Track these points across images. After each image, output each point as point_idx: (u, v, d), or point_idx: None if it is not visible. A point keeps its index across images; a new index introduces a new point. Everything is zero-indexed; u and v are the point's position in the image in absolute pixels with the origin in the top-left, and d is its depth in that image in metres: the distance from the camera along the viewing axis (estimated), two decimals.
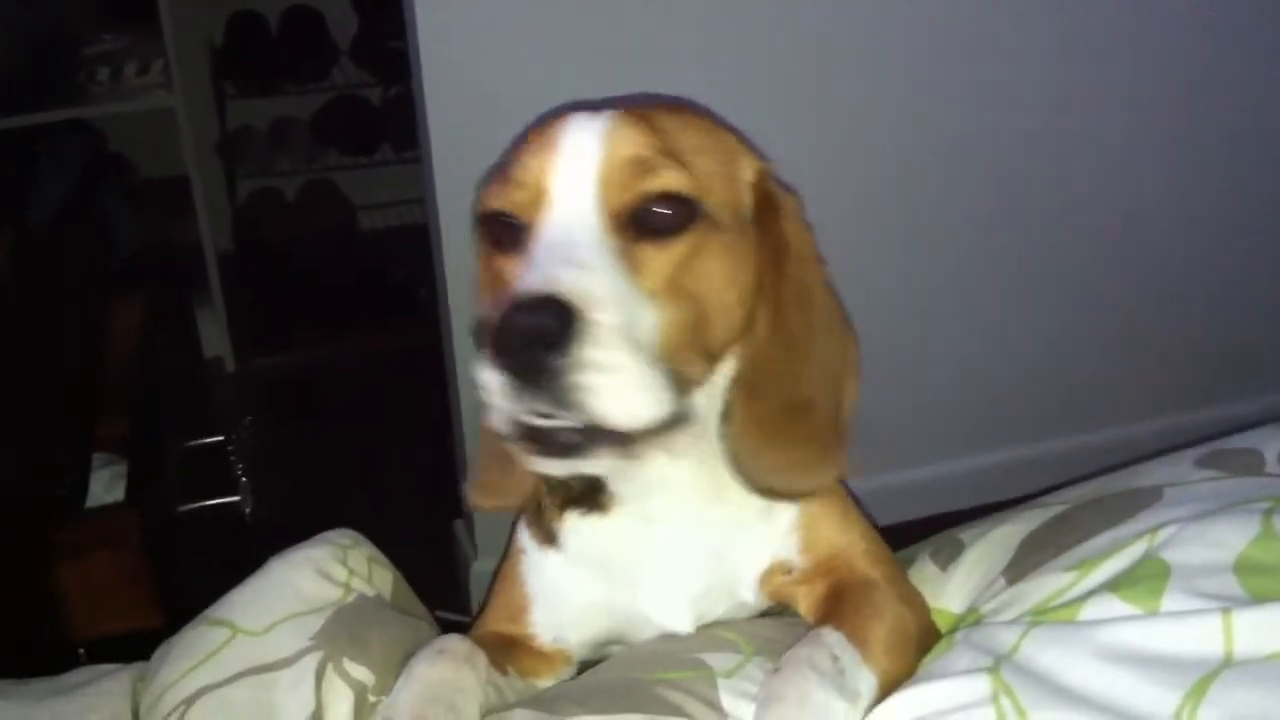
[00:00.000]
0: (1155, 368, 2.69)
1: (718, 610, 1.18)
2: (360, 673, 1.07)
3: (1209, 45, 2.39)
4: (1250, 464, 1.12)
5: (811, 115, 2.21)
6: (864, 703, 0.99)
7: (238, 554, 1.24)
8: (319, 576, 1.15)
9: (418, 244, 2.39)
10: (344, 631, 1.10)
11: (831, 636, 1.04)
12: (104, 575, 1.45)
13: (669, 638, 1.17)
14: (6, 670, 1.19)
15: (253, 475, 1.86)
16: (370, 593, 1.18)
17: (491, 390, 0.91)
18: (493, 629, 1.24)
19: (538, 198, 1.01)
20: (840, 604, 1.10)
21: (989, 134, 2.35)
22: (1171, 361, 2.69)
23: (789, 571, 1.16)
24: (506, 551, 1.27)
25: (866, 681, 1.01)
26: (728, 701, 1.04)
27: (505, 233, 1.04)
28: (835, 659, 1.00)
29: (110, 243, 3.11)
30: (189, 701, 1.06)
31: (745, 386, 1.06)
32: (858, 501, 1.21)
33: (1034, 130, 2.37)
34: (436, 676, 1.04)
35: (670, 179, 1.00)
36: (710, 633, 1.16)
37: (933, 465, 2.65)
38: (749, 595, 1.17)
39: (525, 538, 1.22)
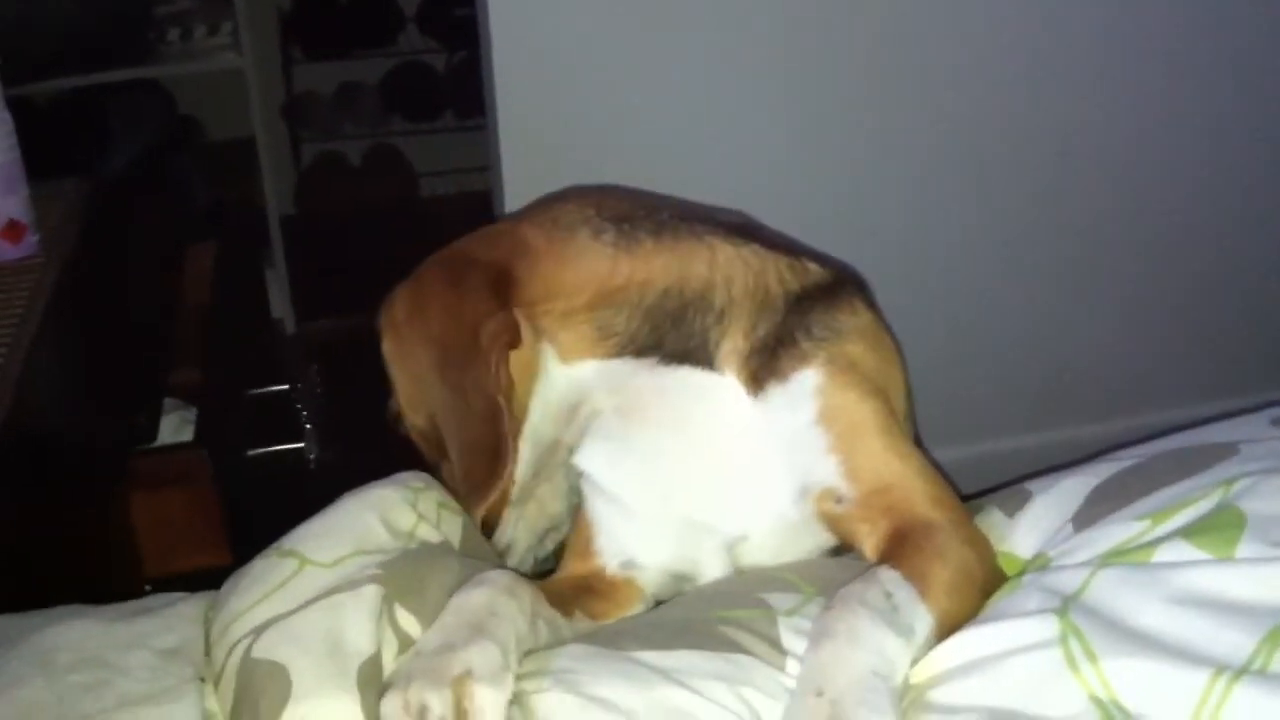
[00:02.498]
0: (1212, 352, 2.65)
1: (765, 523, 1.20)
2: (410, 623, 1.06)
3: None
4: None
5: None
6: (919, 639, 0.99)
7: (303, 498, 1.24)
8: (389, 517, 1.16)
9: (478, 211, 2.40)
10: (407, 570, 1.10)
11: (887, 574, 1.04)
12: (173, 510, 1.47)
13: (732, 579, 1.18)
14: (78, 602, 1.20)
15: (317, 423, 1.87)
16: (437, 538, 1.18)
17: None
18: (565, 571, 1.27)
19: None
20: (902, 545, 1.10)
21: (1038, 121, 2.33)
22: (1227, 347, 2.66)
23: (840, 501, 1.16)
24: None
25: (922, 619, 1.01)
26: (788, 639, 1.03)
27: None
28: (889, 595, 1.00)
29: (180, 200, 3.14)
30: (259, 630, 1.06)
31: None
32: (931, 459, 1.21)
33: (1082, 117, 2.35)
34: (470, 604, 1.04)
35: None
36: (772, 574, 1.16)
37: (994, 441, 2.63)
38: (794, 512, 1.19)
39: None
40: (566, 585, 1.24)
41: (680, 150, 2.15)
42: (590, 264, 1.22)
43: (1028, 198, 2.39)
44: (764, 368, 1.18)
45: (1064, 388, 2.60)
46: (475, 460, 1.20)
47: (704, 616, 1.07)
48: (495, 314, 1.18)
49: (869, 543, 1.15)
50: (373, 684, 0.99)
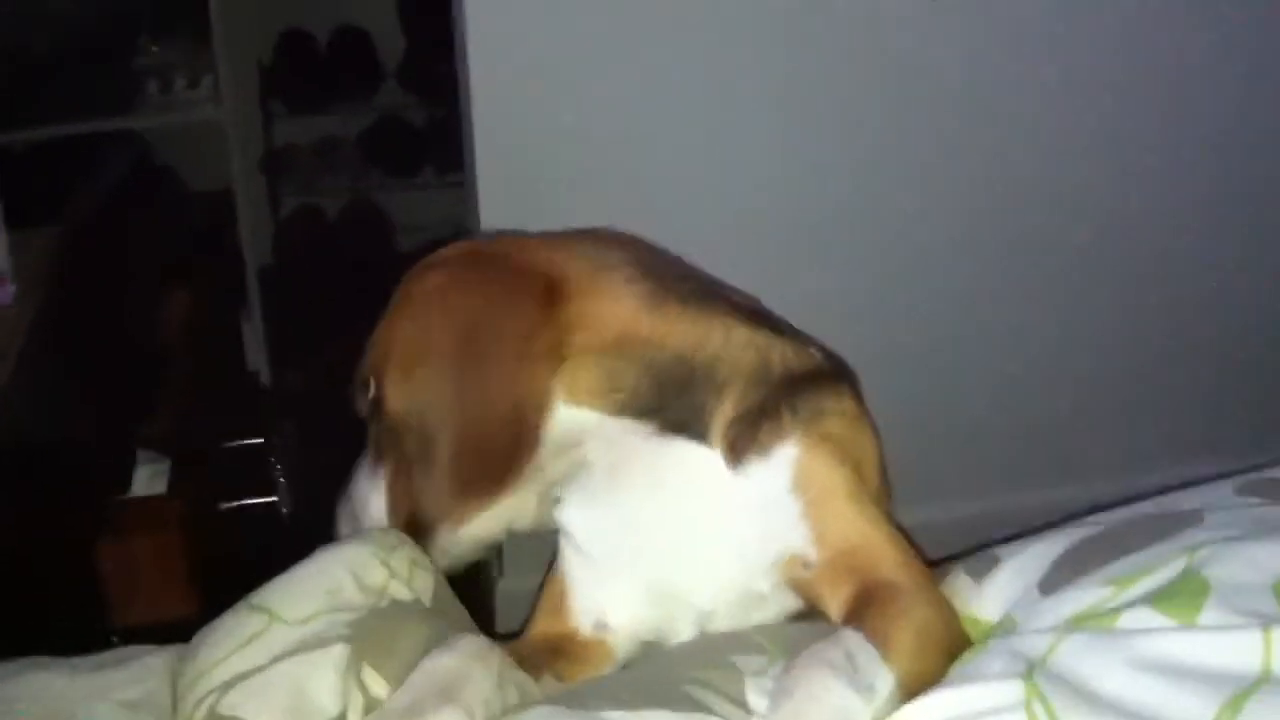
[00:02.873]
0: (1187, 415, 2.66)
1: (733, 594, 1.21)
2: (377, 683, 1.06)
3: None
4: None
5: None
6: (880, 698, 0.99)
7: (275, 551, 1.24)
8: (361, 573, 1.16)
9: None
10: (376, 630, 1.10)
11: (849, 635, 1.05)
12: (144, 561, 1.47)
13: (701, 640, 1.19)
14: (43, 652, 1.20)
15: (291, 477, 1.87)
16: (409, 596, 1.18)
17: None
18: (536, 630, 1.28)
19: None
20: (866, 606, 1.11)
21: (1009, 179, 2.35)
22: (1201, 410, 2.66)
23: (807, 566, 1.18)
24: None
25: (884, 678, 1.01)
26: (753, 699, 1.04)
27: None
28: (850, 655, 1.01)
29: (155, 252, 3.14)
30: (226, 686, 1.06)
31: None
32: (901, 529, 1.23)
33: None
34: (440, 667, 1.04)
35: None
36: (741, 636, 1.17)
37: (967, 502, 2.64)
38: (763, 584, 1.20)
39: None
40: (537, 646, 1.24)
41: (662, 211, 2.16)
42: (620, 308, 1.23)
43: (1002, 257, 2.41)
44: (743, 437, 1.20)
45: (1034, 450, 2.61)
46: (475, 462, 1.20)
47: (672, 676, 1.08)
48: (547, 324, 1.20)
49: (833, 605, 1.16)
50: None
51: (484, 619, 2.35)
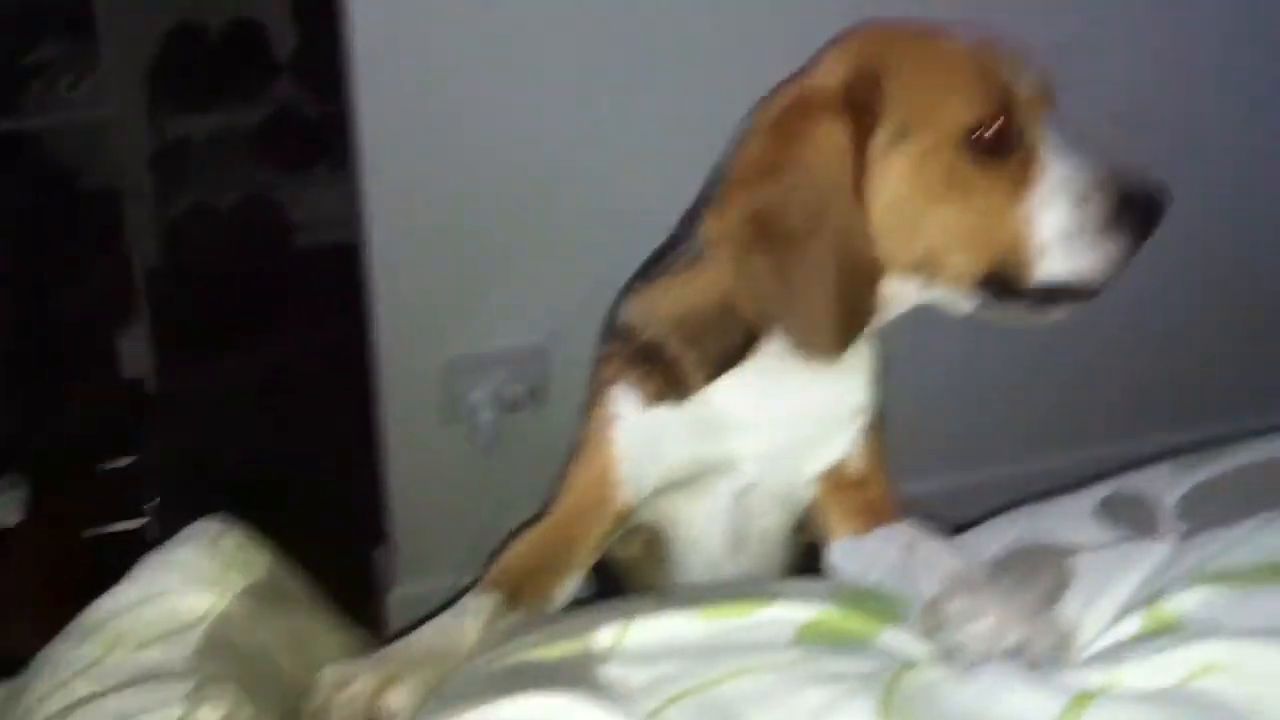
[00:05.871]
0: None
1: (778, 482, 1.41)
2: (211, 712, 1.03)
3: None
4: (1143, 519, 1.15)
5: None
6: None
7: None
8: (193, 574, 1.13)
9: (356, 262, 2.35)
10: (218, 655, 1.09)
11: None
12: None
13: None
14: None
15: (163, 500, 1.80)
16: (245, 583, 1.18)
17: (1103, 264, 1.20)
18: (570, 505, 1.43)
19: (1034, 111, 1.24)
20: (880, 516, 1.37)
21: None
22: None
23: (846, 471, 1.40)
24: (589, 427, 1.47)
25: None
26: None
27: (991, 144, 1.21)
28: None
29: (41, 255, 3.06)
30: (63, 714, 1.01)
31: None
32: None
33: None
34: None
35: None
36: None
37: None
38: (806, 487, 1.41)
39: (625, 404, 1.40)
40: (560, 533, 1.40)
41: (552, 206, 2.13)
42: None
43: None
44: None
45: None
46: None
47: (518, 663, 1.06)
48: None
49: (841, 512, 1.40)
50: None
51: (377, 626, 2.33)
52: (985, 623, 1.02)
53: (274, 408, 3.33)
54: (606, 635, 1.04)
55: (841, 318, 1.23)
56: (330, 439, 2.96)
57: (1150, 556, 1.07)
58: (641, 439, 1.39)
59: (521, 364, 2.22)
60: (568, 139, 2.10)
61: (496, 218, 2.13)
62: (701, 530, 1.45)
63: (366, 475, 2.41)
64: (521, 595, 1.29)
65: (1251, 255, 2.64)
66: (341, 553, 2.52)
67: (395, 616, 2.34)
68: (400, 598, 2.35)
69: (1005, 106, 1.21)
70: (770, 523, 1.45)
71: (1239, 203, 2.56)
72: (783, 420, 1.37)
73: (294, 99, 4.14)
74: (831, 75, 1.26)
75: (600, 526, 1.41)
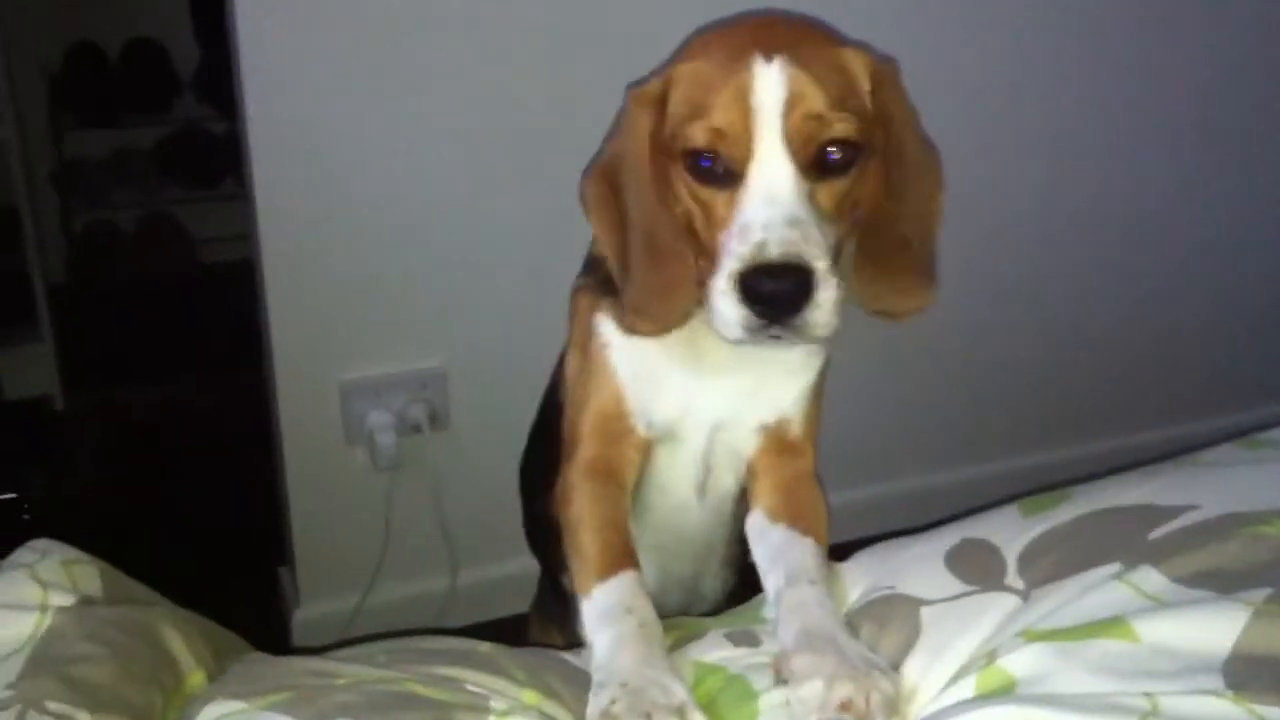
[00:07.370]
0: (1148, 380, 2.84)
1: (737, 426, 1.43)
2: (63, 710, 1.02)
3: None
4: (993, 568, 1.22)
5: None
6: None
7: None
8: (14, 602, 1.12)
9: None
10: (45, 670, 1.06)
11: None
12: None
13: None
14: None
15: (50, 532, 1.78)
16: (72, 600, 1.15)
17: (732, 322, 1.20)
18: (594, 425, 1.42)
19: (743, 151, 1.21)
20: (796, 501, 1.40)
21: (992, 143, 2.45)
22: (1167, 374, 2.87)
23: (784, 433, 1.43)
24: (584, 353, 1.45)
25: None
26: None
27: (708, 170, 1.24)
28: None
29: None
30: None
31: (862, 233, 1.30)
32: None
33: (1037, 136, 2.51)
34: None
35: (842, 130, 1.21)
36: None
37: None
38: (750, 440, 1.44)
39: (611, 331, 1.40)
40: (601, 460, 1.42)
41: (439, 221, 2.15)
42: None
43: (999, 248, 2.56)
44: None
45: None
46: None
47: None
48: None
49: (769, 481, 1.43)
50: None
51: (281, 647, 2.34)
52: (816, 685, 1.08)
53: (175, 431, 3.34)
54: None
55: (657, 288, 1.30)
56: (233, 461, 2.98)
57: (993, 612, 1.14)
58: (638, 367, 1.40)
59: (421, 387, 2.26)
60: (463, 164, 2.14)
61: (393, 241, 2.16)
62: (673, 475, 1.48)
63: (269, 497, 2.45)
64: (622, 558, 1.31)
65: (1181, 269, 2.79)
66: (245, 575, 2.55)
67: (300, 637, 2.36)
68: (303, 619, 2.38)
69: (723, 142, 1.22)
70: (726, 483, 1.48)
71: (1175, 218, 2.71)
72: (747, 357, 1.36)
73: (196, 117, 4.14)
74: (667, 68, 1.32)
75: (631, 454, 1.43)
